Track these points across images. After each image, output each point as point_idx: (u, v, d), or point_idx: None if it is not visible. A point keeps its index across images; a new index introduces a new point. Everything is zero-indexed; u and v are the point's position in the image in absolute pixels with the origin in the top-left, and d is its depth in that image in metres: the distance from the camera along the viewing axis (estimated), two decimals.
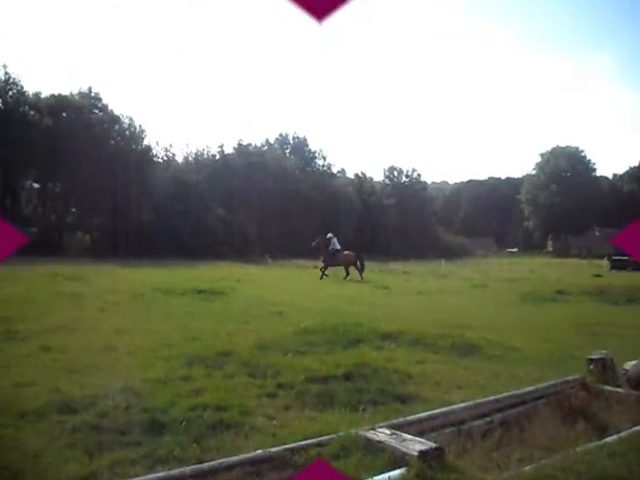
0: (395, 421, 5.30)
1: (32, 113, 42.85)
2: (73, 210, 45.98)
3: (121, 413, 6.07)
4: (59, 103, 43.64)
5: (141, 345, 9.53)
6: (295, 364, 8.35)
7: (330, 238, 29.97)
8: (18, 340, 9.87)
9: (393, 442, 4.58)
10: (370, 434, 4.79)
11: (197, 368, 8.02)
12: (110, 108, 46.22)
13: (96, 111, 45.41)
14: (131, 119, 46.97)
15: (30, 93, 43.60)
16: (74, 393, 6.61)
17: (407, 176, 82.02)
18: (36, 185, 45.39)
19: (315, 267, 37.93)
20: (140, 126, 47.28)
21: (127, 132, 46.57)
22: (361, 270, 28.08)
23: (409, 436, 4.70)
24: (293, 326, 11.23)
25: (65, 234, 44.18)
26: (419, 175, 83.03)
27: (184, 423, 5.89)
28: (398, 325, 11.55)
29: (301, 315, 13.07)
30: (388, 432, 4.79)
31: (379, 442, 4.64)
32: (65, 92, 45.16)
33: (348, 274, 27.78)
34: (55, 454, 5.12)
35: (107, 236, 42.62)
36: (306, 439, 4.99)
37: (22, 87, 42.98)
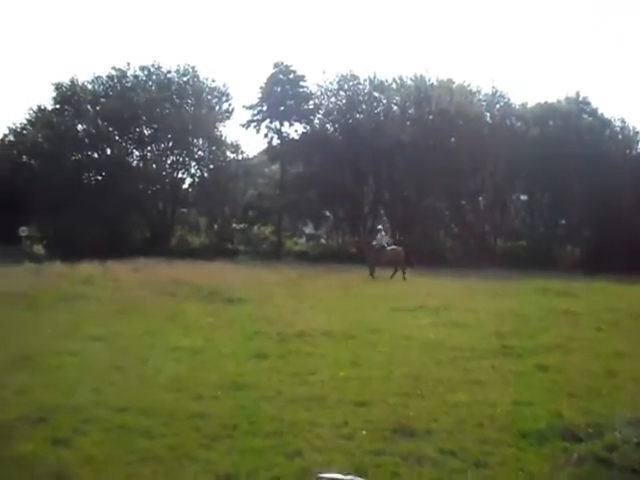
0: None
1: (519, 124, 44.63)
2: (562, 222, 46.17)
3: (632, 448, 5.70)
4: (545, 111, 44.46)
5: None
6: None
7: (379, 231, 27.38)
8: (514, 356, 10.21)
9: None
10: None
11: None
12: (600, 112, 45.26)
13: (585, 116, 44.90)
14: (624, 121, 45.18)
15: (516, 104, 45.61)
16: (576, 419, 6.48)
17: None
18: (523, 197, 46.85)
19: None
20: (634, 128, 45.15)
21: (619, 136, 44.89)
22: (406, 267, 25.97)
23: None
24: None
25: (554, 247, 44.59)
26: None
27: None
28: None
29: None
30: None
31: None
32: (552, 100, 45.85)
33: (396, 271, 25.79)
34: None
35: (598, 249, 41.53)
36: None
37: (509, 99, 45.23)
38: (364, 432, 6.23)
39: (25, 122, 44.91)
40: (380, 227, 28.60)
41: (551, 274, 28.97)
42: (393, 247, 27.29)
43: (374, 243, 27.26)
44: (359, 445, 5.92)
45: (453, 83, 44.59)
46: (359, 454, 5.69)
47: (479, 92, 45.27)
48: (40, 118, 44.43)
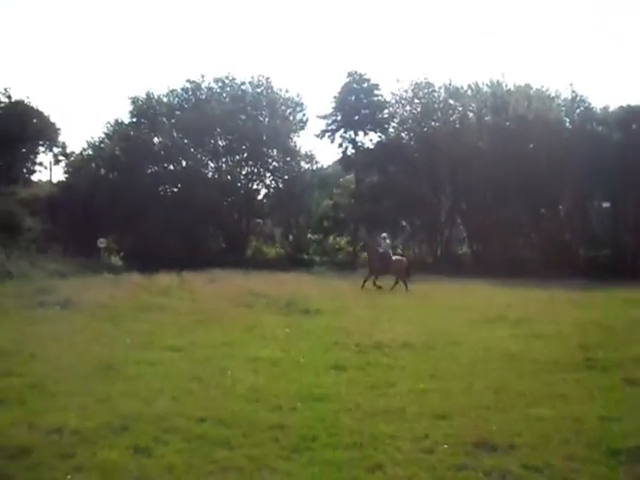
0: None
1: (600, 129, 43.35)
2: None
3: None
4: (628, 115, 43.02)
5: None
6: None
7: (384, 238, 25.98)
8: (599, 369, 9.92)
9: None
10: None
11: None
12: None
13: None
14: None
15: (597, 108, 44.35)
16: None
17: None
18: (606, 204, 45.42)
19: None
20: None
21: None
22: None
23: None
24: None
25: None
26: None
27: None
28: None
29: None
30: None
31: None
32: (635, 102, 44.30)
33: (397, 283, 24.95)
34: None
35: None
36: None
37: (589, 104, 43.99)
38: (445, 446, 6.16)
39: (103, 136, 46.48)
40: (385, 235, 27.09)
41: (637, 284, 28.05)
42: (397, 257, 26.57)
43: (380, 250, 25.92)
44: (440, 459, 5.85)
45: (531, 88, 43.77)
46: (441, 468, 5.63)
47: (558, 97, 44.18)
48: (117, 131, 45.87)
